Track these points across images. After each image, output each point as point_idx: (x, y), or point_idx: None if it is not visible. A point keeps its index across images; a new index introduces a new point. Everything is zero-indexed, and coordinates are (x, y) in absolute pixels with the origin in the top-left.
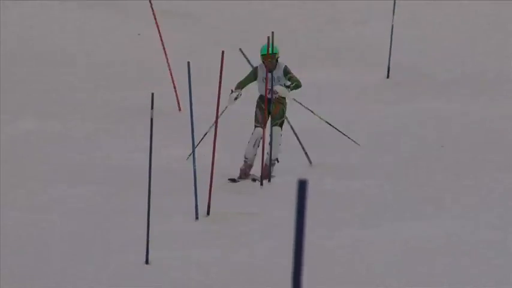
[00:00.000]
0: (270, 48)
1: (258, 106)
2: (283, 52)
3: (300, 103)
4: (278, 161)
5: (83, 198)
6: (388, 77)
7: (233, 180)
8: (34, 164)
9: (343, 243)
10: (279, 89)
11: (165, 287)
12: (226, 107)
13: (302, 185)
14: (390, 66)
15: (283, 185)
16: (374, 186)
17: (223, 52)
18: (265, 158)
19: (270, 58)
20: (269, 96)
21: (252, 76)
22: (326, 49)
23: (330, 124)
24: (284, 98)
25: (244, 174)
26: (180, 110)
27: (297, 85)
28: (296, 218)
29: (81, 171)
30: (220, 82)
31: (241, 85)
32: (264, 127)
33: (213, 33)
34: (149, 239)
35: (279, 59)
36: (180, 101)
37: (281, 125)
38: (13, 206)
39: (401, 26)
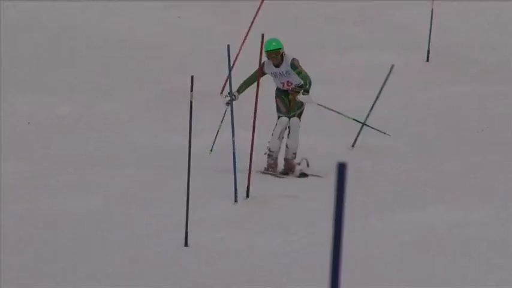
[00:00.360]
0: (273, 44)
1: (278, 97)
2: (330, 34)
3: (326, 107)
4: (295, 157)
5: (122, 181)
6: (427, 60)
7: (265, 172)
8: (74, 148)
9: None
10: (304, 99)
11: (204, 269)
12: (225, 111)
13: (341, 168)
14: (430, 50)
15: (323, 167)
16: (412, 170)
17: (263, 35)
18: (285, 152)
19: (274, 54)
20: (284, 88)
21: (260, 72)
22: (368, 32)
23: (358, 121)
24: (300, 86)
25: (272, 168)
26: (221, 92)
27: (310, 82)
28: (335, 202)
29: (120, 154)
30: (260, 63)
31: (245, 84)
32: (288, 117)
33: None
34: (188, 221)
35: (285, 53)
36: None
37: (299, 116)
38: (56, 188)
39: (442, 8)
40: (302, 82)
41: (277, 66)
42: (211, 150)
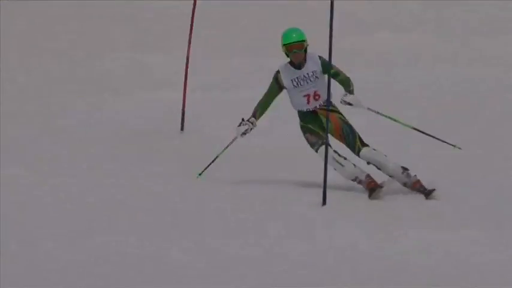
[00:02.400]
0: (294, 35)
1: (306, 130)
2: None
3: (378, 112)
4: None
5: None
6: None
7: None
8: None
9: None
10: (352, 100)
11: (290, 272)
12: (235, 138)
13: None
14: None
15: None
16: None
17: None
18: (395, 179)
19: (296, 47)
20: (310, 106)
21: (275, 87)
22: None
23: (418, 130)
24: (333, 106)
25: (376, 185)
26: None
27: (352, 84)
28: None
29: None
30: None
31: (261, 108)
32: (327, 143)
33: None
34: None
35: (308, 49)
36: None
37: (363, 141)
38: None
39: None
40: (344, 83)
41: (299, 67)
42: (199, 174)
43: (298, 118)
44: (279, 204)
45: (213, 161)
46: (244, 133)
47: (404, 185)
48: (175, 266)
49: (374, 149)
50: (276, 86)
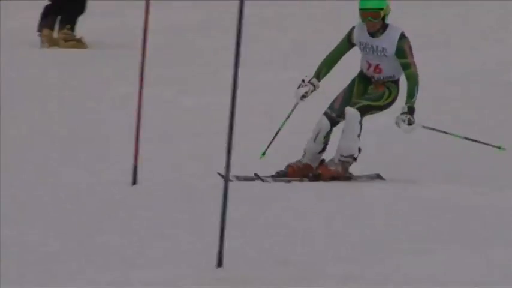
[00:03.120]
0: (373, 2)
1: (349, 85)
2: None
3: (434, 128)
4: (355, 160)
5: None
6: None
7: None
8: None
9: None
10: (405, 130)
11: None
12: (296, 104)
13: None
14: None
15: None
16: None
17: None
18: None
19: (371, 15)
20: (367, 72)
21: (346, 43)
22: None
23: (471, 139)
24: (395, 82)
25: (294, 170)
26: None
27: (417, 89)
28: None
29: None
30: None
31: (326, 67)
32: (337, 116)
33: None
34: None
35: (389, 22)
36: None
37: (362, 110)
38: None
39: None
40: (408, 89)
41: (372, 35)
42: (263, 154)
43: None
44: None
45: (275, 136)
46: (304, 96)
47: (321, 162)
48: None
49: (360, 122)
50: (347, 42)
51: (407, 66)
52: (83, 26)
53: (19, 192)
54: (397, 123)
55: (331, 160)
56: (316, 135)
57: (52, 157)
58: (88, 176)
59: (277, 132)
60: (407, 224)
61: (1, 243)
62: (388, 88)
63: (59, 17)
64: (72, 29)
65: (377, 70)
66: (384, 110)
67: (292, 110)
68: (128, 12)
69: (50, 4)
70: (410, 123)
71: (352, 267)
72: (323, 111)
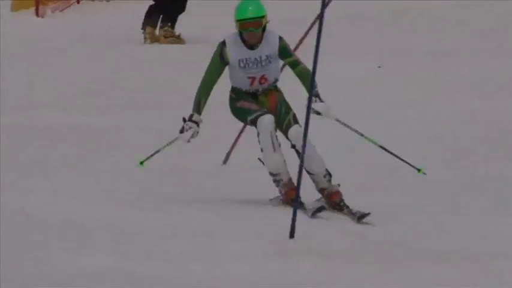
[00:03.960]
0: (250, 8)
1: (241, 98)
2: None
3: (347, 125)
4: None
5: None
6: None
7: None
8: None
9: None
10: (321, 108)
11: None
12: (176, 138)
13: None
14: None
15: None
16: None
17: None
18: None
19: (253, 25)
20: (251, 88)
21: (219, 62)
22: None
23: (385, 149)
24: (276, 85)
25: (291, 199)
26: None
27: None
28: None
29: None
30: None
31: (204, 96)
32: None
33: None
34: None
35: (267, 26)
36: None
37: (297, 121)
38: None
39: None
40: (306, 83)
41: (252, 47)
42: (141, 163)
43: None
44: None
45: (155, 153)
46: (189, 140)
47: (321, 191)
48: None
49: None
50: (220, 62)
51: (297, 63)
52: (182, 23)
53: None
54: (312, 109)
55: (323, 187)
56: (271, 142)
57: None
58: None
59: (157, 151)
60: None
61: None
62: (278, 91)
63: (161, 16)
64: (172, 26)
65: (262, 81)
66: None
67: (172, 142)
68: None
69: (153, 4)
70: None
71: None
72: (251, 119)
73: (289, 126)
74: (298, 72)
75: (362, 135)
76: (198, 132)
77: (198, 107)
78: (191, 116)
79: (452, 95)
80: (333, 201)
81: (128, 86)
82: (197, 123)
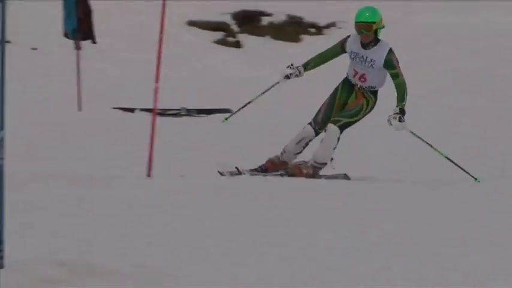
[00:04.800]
0: (366, 14)
1: (332, 94)
2: None
3: (419, 137)
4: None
5: None
6: None
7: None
8: None
9: None
10: (398, 127)
11: None
12: (277, 82)
13: None
14: None
15: None
16: None
17: None
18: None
19: (364, 27)
20: (353, 79)
21: (339, 48)
22: None
23: (452, 161)
24: (374, 92)
25: (273, 165)
26: None
27: (406, 94)
28: None
29: None
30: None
31: (315, 61)
32: (319, 128)
33: None
34: None
35: (381, 36)
36: None
37: (343, 127)
38: None
39: None
40: (398, 94)
41: (364, 47)
42: (226, 119)
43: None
44: None
45: (245, 105)
46: (288, 76)
47: (296, 164)
48: None
49: (338, 138)
50: (339, 47)
51: (396, 76)
52: None
53: None
54: (388, 121)
55: (305, 163)
56: (300, 140)
57: None
58: None
59: (246, 104)
60: None
61: None
62: (366, 99)
63: None
64: None
65: (362, 79)
66: (362, 119)
67: (271, 87)
68: None
69: None
70: (400, 121)
71: None
72: (308, 122)
73: (333, 123)
74: (396, 84)
75: (432, 146)
76: (296, 76)
77: (306, 65)
78: (298, 66)
79: None
80: (295, 172)
81: None
82: (300, 71)
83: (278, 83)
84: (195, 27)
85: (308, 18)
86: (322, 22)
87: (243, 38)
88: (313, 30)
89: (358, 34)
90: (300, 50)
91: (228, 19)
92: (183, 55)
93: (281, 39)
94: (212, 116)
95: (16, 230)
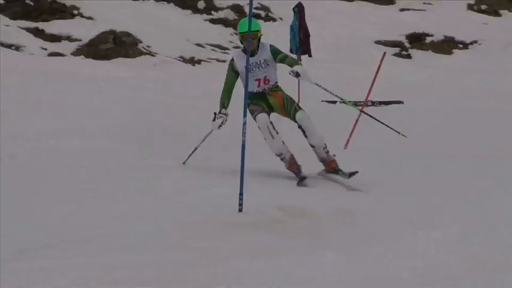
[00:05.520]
0: (245, 25)
1: (252, 104)
2: None
3: (325, 88)
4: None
5: None
6: None
7: (302, 180)
8: None
9: None
10: (300, 69)
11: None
12: (211, 131)
13: None
14: None
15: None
16: None
17: None
18: (315, 153)
19: (251, 37)
20: (259, 88)
21: (232, 74)
22: None
23: (365, 113)
24: (277, 87)
25: (297, 168)
26: None
27: (301, 63)
28: None
29: None
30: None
31: (226, 98)
32: (267, 113)
33: None
34: None
35: (261, 39)
36: None
37: (301, 108)
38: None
39: None
40: (293, 61)
41: (252, 55)
42: (184, 163)
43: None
44: None
45: (193, 151)
46: (220, 125)
47: (322, 160)
48: None
49: (308, 116)
50: (233, 72)
51: (285, 57)
52: None
53: None
54: (290, 71)
55: (323, 157)
56: (269, 132)
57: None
58: None
59: (195, 149)
60: None
61: None
62: (280, 91)
63: None
64: None
65: (266, 81)
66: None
67: (208, 135)
68: None
69: None
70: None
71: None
72: (253, 117)
73: (295, 112)
74: (289, 63)
75: (342, 99)
76: (226, 120)
77: (223, 106)
78: (220, 111)
79: None
80: (331, 167)
81: None
82: (225, 114)
83: (212, 131)
84: (379, 45)
85: (458, 37)
86: (467, 40)
87: (412, 52)
88: (461, 45)
89: (245, 43)
90: (452, 61)
91: (402, 39)
92: (372, 63)
93: (439, 53)
94: (389, 106)
95: (250, 186)
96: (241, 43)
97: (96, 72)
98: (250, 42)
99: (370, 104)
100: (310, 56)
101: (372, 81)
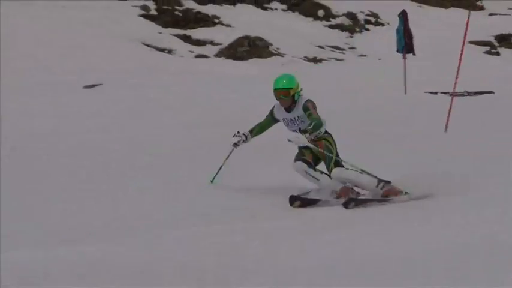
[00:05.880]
0: (283, 81)
1: (299, 147)
2: None
3: (316, 146)
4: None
5: None
6: None
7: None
8: None
9: None
10: (291, 138)
11: None
12: (232, 149)
13: None
14: None
15: None
16: None
17: None
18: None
19: (281, 94)
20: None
21: (271, 117)
22: None
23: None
24: (323, 134)
25: (350, 193)
26: None
27: (316, 125)
28: None
29: None
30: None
31: (257, 129)
32: (304, 160)
33: None
34: None
35: (300, 95)
36: None
37: (337, 165)
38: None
39: None
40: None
41: (288, 110)
42: (212, 181)
43: None
44: None
45: (219, 169)
46: (236, 144)
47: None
48: None
49: (346, 169)
50: (270, 117)
51: (310, 114)
52: None
53: None
54: (289, 140)
55: (375, 189)
56: (309, 175)
57: None
58: None
59: (220, 167)
60: None
61: None
62: (324, 140)
63: None
64: None
65: (303, 132)
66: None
67: (230, 154)
68: None
69: None
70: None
71: None
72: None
73: (331, 169)
74: (311, 118)
75: (332, 155)
76: (243, 142)
77: (252, 131)
78: (244, 132)
79: None
80: (386, 196)
81: None
82: (246, 137)
83: (233, 150)
84: (472, 44)
85: None
86: None
87: (500, 50)
88: None
89: (278, 100)
90: None
91: (491, 39)
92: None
93: None
94: (480, 96)
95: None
96: (276, 99)
97: (235, 71)
98: (282, 100)
99: (466, 94)
100: (414, 54)
101: (456, 70)
